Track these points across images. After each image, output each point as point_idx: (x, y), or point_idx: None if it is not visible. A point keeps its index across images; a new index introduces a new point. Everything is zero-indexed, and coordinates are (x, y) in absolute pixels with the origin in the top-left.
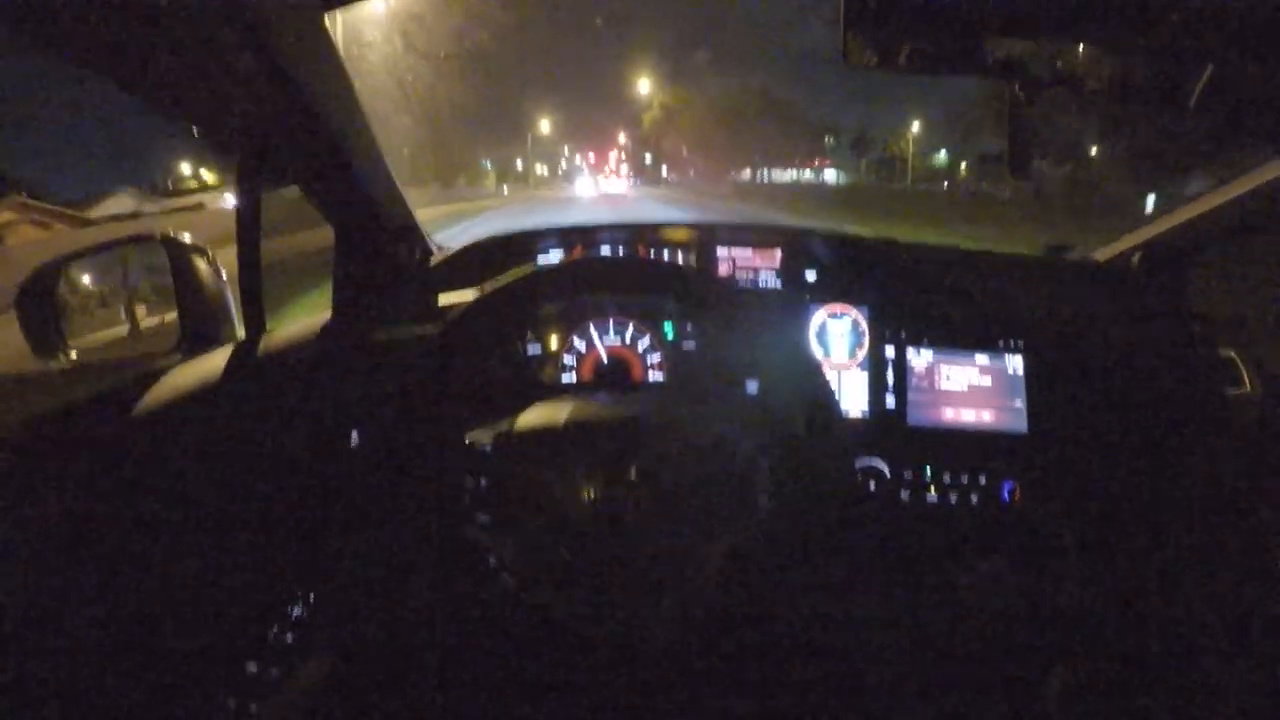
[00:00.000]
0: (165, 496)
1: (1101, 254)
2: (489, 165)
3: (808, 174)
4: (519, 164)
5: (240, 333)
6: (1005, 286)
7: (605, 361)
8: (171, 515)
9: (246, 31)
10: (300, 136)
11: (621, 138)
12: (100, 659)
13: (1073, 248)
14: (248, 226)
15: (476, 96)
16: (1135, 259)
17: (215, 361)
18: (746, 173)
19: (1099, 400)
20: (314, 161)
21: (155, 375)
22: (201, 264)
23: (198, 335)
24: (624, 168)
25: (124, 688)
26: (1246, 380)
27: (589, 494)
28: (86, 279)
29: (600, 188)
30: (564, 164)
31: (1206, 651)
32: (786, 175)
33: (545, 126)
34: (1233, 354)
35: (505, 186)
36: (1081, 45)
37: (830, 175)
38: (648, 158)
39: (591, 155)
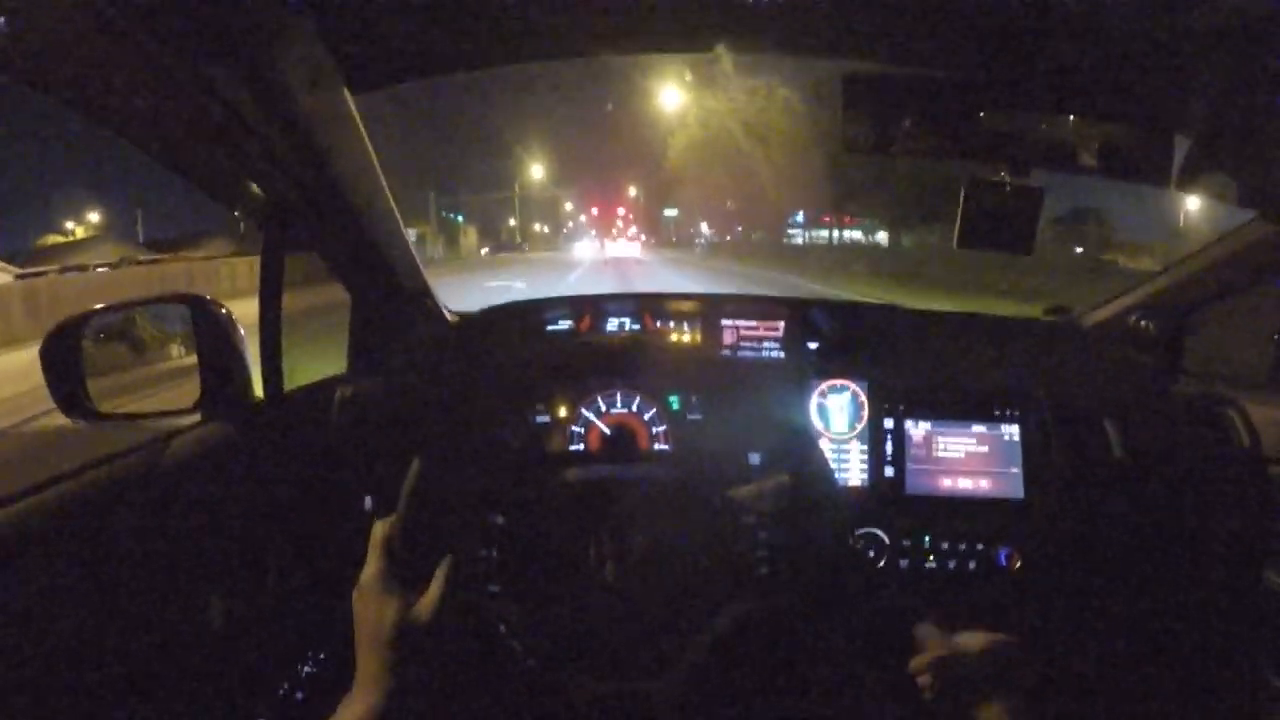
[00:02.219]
0: (176, 556)
1: (1095, 316)
2: (461, 219)
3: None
4: (512, 221)
5: (259, 393)
6: (1002, 352)
7: (612, 432)
8: (182, 573)
9: (283, 113)
10: (325, 206)
11: (631, 190)
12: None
13: (1072, 309)
14: (270, 290)
15: (467, 155)
16: (1131, 320)
17: (233, 422)
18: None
19: (1094, 464)
20: (336, 229)
21: (174, 435)
22: (224, 324)
23: (217, 394)
24: (633, 228)
25: None
26: (1241, 437)
27: (594, 564)
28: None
29: (606, 251)
30: (569, 224)
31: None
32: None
33: (541, 174)
34: (1227, 410)
35: (485, 250)
36: (1071, 119)
37: (857, 234)
38: (666, 213)
39: (595, 210)
